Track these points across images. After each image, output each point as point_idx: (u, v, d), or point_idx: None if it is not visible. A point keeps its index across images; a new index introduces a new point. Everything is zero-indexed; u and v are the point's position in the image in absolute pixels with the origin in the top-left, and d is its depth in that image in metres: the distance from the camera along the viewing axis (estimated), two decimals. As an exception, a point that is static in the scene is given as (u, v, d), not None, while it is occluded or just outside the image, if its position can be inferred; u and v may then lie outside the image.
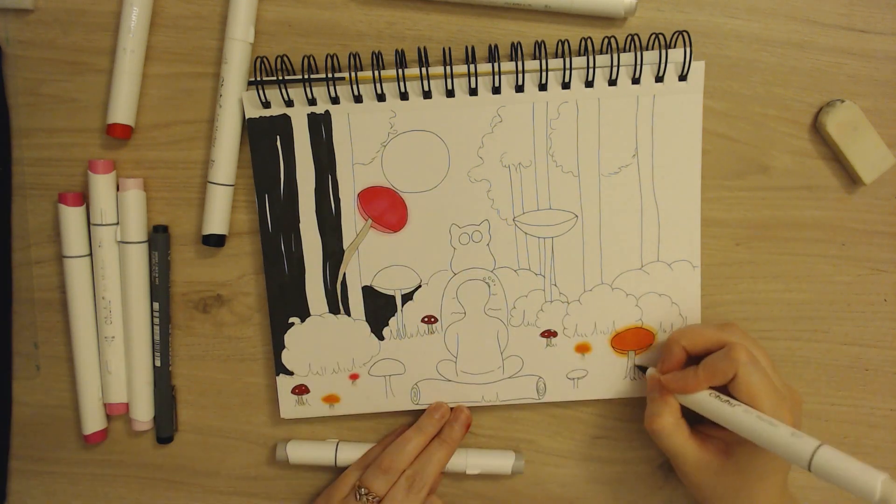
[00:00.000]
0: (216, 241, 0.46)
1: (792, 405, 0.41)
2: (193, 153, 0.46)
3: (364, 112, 0.44)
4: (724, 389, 0.41)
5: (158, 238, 0.46)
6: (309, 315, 0.47)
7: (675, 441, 0.43)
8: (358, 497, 0.45)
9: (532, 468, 0.50)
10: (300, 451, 0.48)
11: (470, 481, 0.50)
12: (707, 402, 0.41)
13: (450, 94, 0.43)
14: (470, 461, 0.48)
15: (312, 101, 0.44)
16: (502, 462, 0.48)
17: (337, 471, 0.49)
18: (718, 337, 0.42)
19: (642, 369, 0.47)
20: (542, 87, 0.43)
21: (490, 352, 0.47)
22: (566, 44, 0.43)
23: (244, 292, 0.48)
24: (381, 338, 0.47)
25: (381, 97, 0.44)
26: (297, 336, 0.47)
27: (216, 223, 0.45)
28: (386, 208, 0.45)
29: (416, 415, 0.49)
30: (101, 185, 0.45)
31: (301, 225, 0.46)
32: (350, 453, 0.48)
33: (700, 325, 0.46)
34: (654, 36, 0.43)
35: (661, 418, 0.43)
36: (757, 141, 0.46)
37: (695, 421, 0.44)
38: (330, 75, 0.43)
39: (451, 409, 0.48)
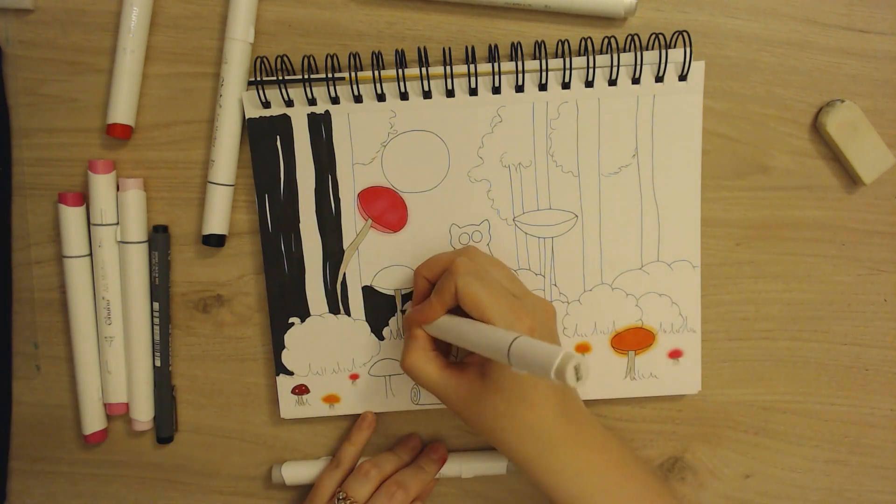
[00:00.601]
0: (216, 241, 0.46)
1: (534, 312, 0.39)
2: (193, 153, 0.46)
3: (364, 112, 0.44)
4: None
5: (158, 238, 0.46)
6: (309, 315, 0.47)
7: (427, 375, 0.40)
8: (338, 502, 0.45)
9: (532, 468, 0.50)
10: (295, 472, 0.48)
11: (469, 482, 0.50)
12: (445, 325, 0.39)
13: (450, 94, 0.43)
14: (464, 467, 0.48)
15: (312, 101, 0.44)
16: (497, 465, 0.48)
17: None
18: (451, 258, 0.41)
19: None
20: (542, 87, 0.43)
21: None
22: (566, 44, 0.43)
23: (244, 292, 0.48)
24: (381, 338, 0.47)
25: (381, 97, 0.44)
26: (298, 336, 0.47)
27: (216, 223, 0.45)
28: (386, 208, 0.45)
29: (417, 415, 0.49)
30: (101, 185, 0.45)
31: (301, 225, 0.46)
32: None
33: (439, 253, 0.44)
34: (654, 36, 0.43)
35: (410, 354, 0.41)
36: (757, 141, 0.46)
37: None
38: (330, 75, 0.43)
39: (429, 444, 0.49)
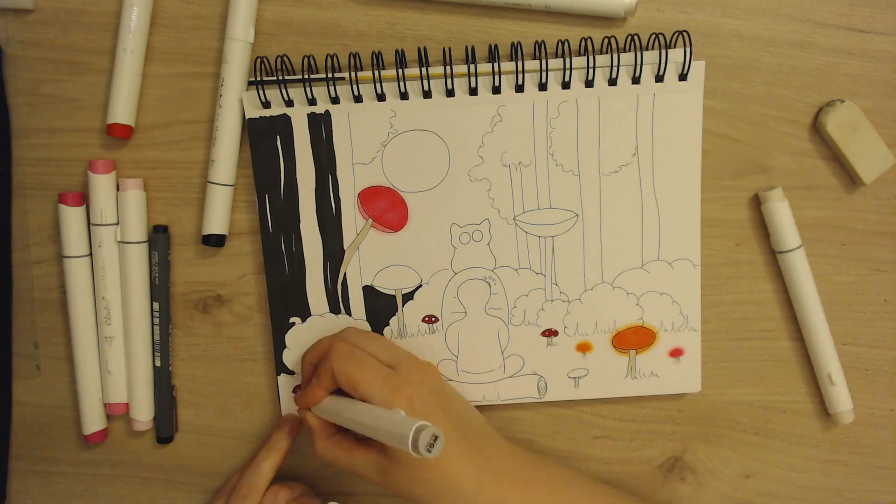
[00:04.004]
0: (216, 241, 0.46)
1: (410, 382, 0.39)
2: (193, 153, 0.46)
3: (364, 112, 0.44)
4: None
5: (158, 238, 0.46)
6: (310, 315, 0.47)
7: (338, 460, 0.42)
8: None
9: (532, 468, 0.50)
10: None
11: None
12: (330, 406, 0.41)
13: (450, 93, 0.43)
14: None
15: (312, 101, 0.44)
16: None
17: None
18: (328, 344, 0.42)
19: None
20: (542, 87, 0.43)
21: (491, 351, 0.47)
22: (566, 44, 0.43)
23: (244, 292, 0.48)
24: (381, 338, 0.47)
25: (381, 97, 0.44)
26: (298, 336, 0.47)
27: (216, 223, 0.45)
28: (386, 208, 0.45)
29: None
30: (101, 185, 0.45)
31: (301, 225, 0.46)
32: None
33: (320, 338, 0.45)
34: (654, 36, 0.43)
35: (317, 444, 0.42)
36: (757, 141, 0.46)
37: None
38: (330, 75, 0.43)
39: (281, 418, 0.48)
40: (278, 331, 0.47)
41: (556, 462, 0.46)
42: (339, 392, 0.42)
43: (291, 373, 0.48)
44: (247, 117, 0.44)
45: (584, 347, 0.47)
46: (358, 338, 0.43)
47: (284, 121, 0.44)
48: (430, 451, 0.33)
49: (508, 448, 0.43)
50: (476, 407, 0.48)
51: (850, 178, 0.46)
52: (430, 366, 0.42)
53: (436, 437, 0.33)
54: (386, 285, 0.46)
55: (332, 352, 0.41)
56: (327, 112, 0.44)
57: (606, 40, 0.43)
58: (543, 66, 0.42)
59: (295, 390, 0.47)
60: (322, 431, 0.43)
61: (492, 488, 0.40)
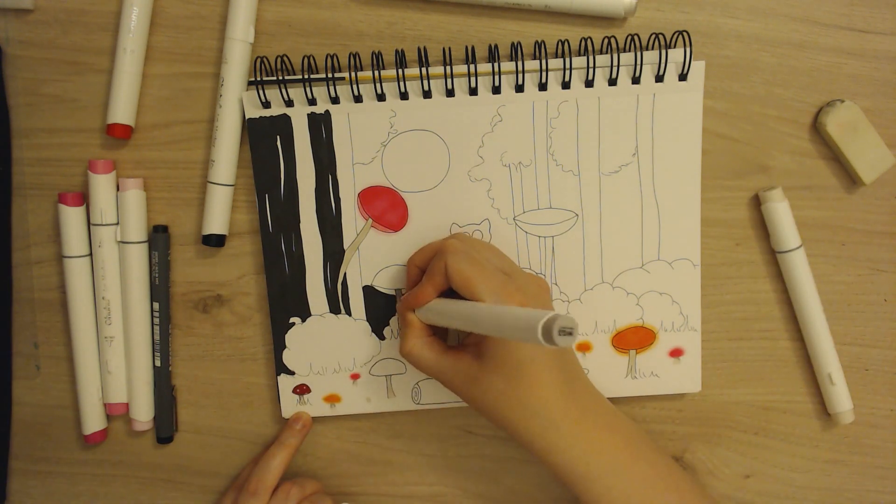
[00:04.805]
0: (216, 241, 0.46)
1: (525, 286, 0.39)
2: (193, 153, 0.46)
3: (364, 112, 0.44)
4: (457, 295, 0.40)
5: (158, 238, 0.46)
6: (310, 315, 0.47)
7: (426, 359, 0.40)
8: None
9: (532, 468, 0.50)
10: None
11: (469, 481, 0.50)
12: (438, 307, 0.39)
13: (450, 93, 0.43)
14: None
15: (312, 101, 0.44)
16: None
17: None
18: (440, 243, 0.41)
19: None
20: (542, 87, 0.43)
21: (490, 351, 0.47)
22: (566, 44, 0.43)
23: (244, 292, 0.48)
24: (381, 337, 0.47)
25: (381, 97, 0.44)
26: (298, 336, 0.47)
27: (216, 223, 0.45)
28: (386, 208, 0.45)
29: (418, 414, 0.49)
30: (101, 185, 0.45)
31: (301, 225, 0.46)
32: None
33: (430, 242, 0.44)
34: (654, 36, 0.43)
35: (408, 340, 0.41)
36: (757, 141, 0.46)
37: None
38: (330, 75, 0.43)
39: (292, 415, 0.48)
40: (278, 331, 0.47)
41: (633, 420, 0.44)
42: (447, 295, 0.40)
43: (291, 373, 0.48)
44: (247, 117, 0.44)
45: (584, 347, 0.47)
46: (471, 240, 0.42)
47: (284, 121, 0.44)
48: (562, 340, 0.29)
49: (594, 390, 0.42)
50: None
51: (850, 178, 0.46)
52: (543, 280, 0.42)
53: (571, 328, 0.29)
54: (386, 285, 0.46)
55: (446, 250, 0.39)
56: (327, 112, 0.44)
57: (606, 40, 0.43)
58: (543, 66, 0.42)
59: (398, 297, 0.46)
60: (419, 330, 0.41)
61: (576, 422, 0.39)
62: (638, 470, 0.40)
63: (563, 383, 0.39)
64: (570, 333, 0.29)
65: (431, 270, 0.40)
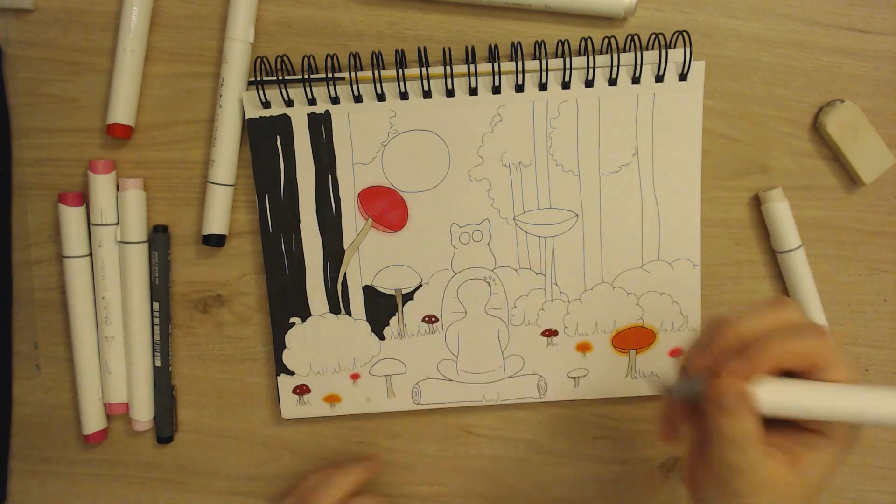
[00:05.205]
0: (216, 241, 0.46)
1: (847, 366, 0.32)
2: (193, 153, 0.46)
3: (364, 112, 0.44)
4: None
5: (158, 238, 0.46)
6: (310, 315, 0.47)
7: (749, 453, 0.30)
8: None
9: (532, 468, 0.50)
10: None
11: (470, 482, 0.50)
12: (780, 391, 0.31)
13: (450, 93, 0.43)
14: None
15: (312, 101, 0.44)
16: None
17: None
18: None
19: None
20: (542, 87, 0.43)
21: (491, 351, 0.47)
22: (566, 44, 0.43)
23: (244, 292, 0.48)
24: (381, 337, 0.47)
25: (381, 97, 0.44)
26: (298, 336, 0.47)
27: (216, 223, 0.45)
28: (386, 208, 0.45)
29: (418, 414, 0.49)
30: (101, 185, 0.45)
31: (301, 225, 0.46)
32: None
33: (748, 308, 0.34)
34: (654, 36, 0.43)
35: (740, 420, 0.30)
36: (757, 141, 0.46)
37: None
38: (330, 75, 0.43)
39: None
40: (278, 331, 0.47)
41: None
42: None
43: (291, 373, 0.48)
44: (247, 117, 0.44)
45: (584, 347, 0.47)
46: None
47: (284, 121, 0.44)
48: None
49: None
50: (476, 407, 0.49)
51: (850, 178, 0.46)
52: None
53: None
54: (386, 285, 0.46)
55: (771, 331, 0.31)
56: (327, 112, 0.44)
57: (606, 40, 0.43)
58: (543, 66, 0.42)
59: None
60: (754, 410, 0.30)
61: None
62: None
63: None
64: None
65: (751, 353, 0.30)
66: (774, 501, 0.31)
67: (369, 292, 0.46)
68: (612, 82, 0.43)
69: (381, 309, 0.47)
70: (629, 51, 0.43)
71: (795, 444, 0.31)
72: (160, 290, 0.47)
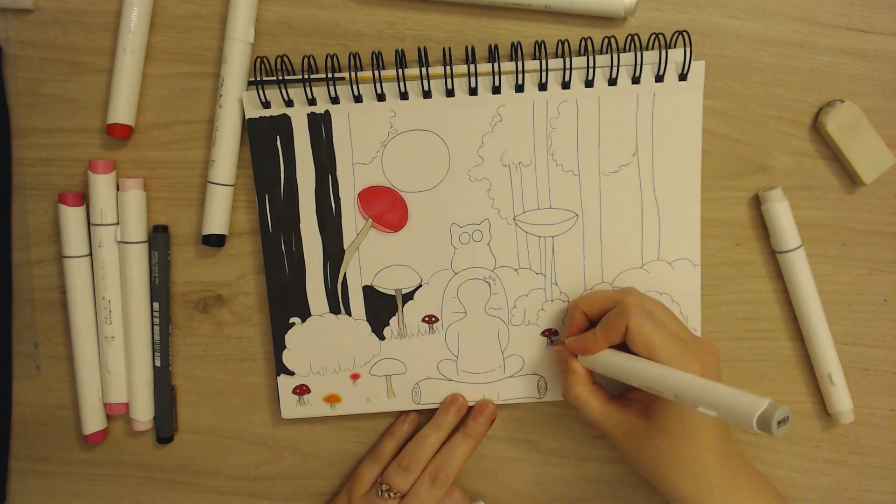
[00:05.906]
0: (216, 241, 0.46)
1: (701, 354, 0.40)
2: (193, 153, 0.46)
3: (364, 112, 0.44)
4: (626, 349, 0.41)
5: (158, 238, 0.46)
6: (310, 315, 0.47)
7: (591, 408, 0.42)
8: (380, 493, 0.45)
9: (532, 468, 0.50)
10: None
11: (470, 481, 0.50)
12: (608, 359, 0.41)
13: (450, 93, 0.43)
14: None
15: (312, 101, 0.44)
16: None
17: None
18: (615, 297, 0.42)
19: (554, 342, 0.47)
20: (542, 87, 0.43)
21: (491, 351, 0.47)
22: (566, 44, 0.43)
23: (244, 292, 0.48)
24: (381, 337, 0.47)
25: (381, 97, 0.44)
26: (298, 336, 0.47)
27: (216, 223, 0.45)
28: (386, 208, 0.45)
29: (419, 414, 0.49)
30: (101, 185, 0.45)
31: (301, 225, 0.46)
32: None
33: (599, 289, 0.46)
34: (654, 36, 0.43)
35: (574, 387, 0.43)
36: (757, 141, 0.46)
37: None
38: (330, 75, 0.43)
39: (476, 403, 0.48)
40: (278, 331, 0.47)
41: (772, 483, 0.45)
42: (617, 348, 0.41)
43: (291, 373, 0.48)
44: (247, 117, 0.44)
45: (584, 347, 0.47)
46: (652, 303, 0.42)
47: (284, 121, 0.44)
48: (779, 431, 0.30)
49: (742, 454, 0.44)
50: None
51: (850, 178, 0.46)
52: (714, 347, 0.43)
53: (786, 417, 0.30)
54: (386, 285, 0.46)
55: (629, 310, 0.40)
56: (327, 112, 0.44)
57: (606, 40, 0.43)
58: (543, 66, 0.42)
59: (559, 340, 0.47)
60: (585, 377, 0.43)
61: (728, 485, 0.40)
62: None
63: (721, 447, 0.40)
64: (786, 423, 0.31)
65: (609, 326, 0.41)
66: (637, 445, 0.41)
67: (369, 292, 0.46)
68: (612, 82, 0.43)
69: (381, 309, 0.47)
70: (629, 51, 0.43)
71: (646, 399, 0.42)
72: (160, 290, 0.47)
